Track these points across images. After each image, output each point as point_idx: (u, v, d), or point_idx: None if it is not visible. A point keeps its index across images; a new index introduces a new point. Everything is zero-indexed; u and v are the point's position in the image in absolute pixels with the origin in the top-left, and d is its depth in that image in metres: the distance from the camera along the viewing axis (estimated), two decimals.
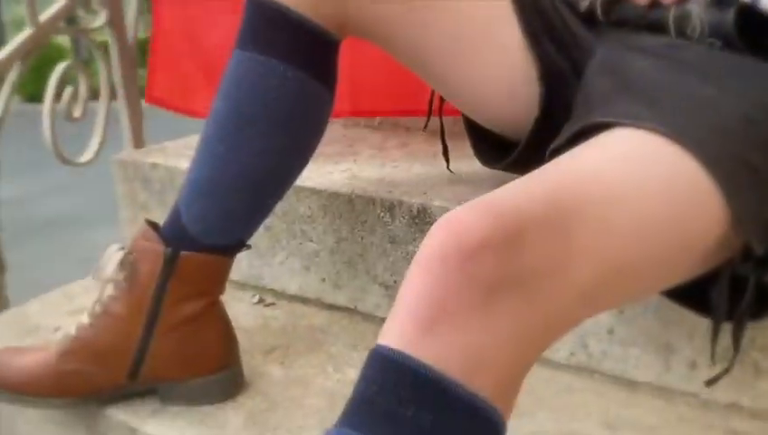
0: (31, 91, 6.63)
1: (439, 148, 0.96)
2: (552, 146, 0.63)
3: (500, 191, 0.49)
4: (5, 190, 1.15)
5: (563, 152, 0.56)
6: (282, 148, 0.75)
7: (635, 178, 0.53)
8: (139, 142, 1.35)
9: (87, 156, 1.25)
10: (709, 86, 0.60)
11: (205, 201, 0.76)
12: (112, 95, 1.30)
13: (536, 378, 0.82)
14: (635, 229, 0.51)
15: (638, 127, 0.55)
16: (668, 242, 0.53)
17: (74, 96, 1.19)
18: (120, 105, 1.35)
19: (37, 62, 1.19)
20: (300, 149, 0.77)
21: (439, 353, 0.44)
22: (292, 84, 0.74)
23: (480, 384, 0.44)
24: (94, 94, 1.24)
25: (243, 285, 1.09)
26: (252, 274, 1.08)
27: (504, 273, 0.45)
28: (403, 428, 0.43)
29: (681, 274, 0.57)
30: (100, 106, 1.27)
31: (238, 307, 1.02)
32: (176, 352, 0.78)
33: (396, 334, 0.45)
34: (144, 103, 1.38)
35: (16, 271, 1.21)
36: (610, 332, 0.79)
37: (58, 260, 2.87)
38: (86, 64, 1.26)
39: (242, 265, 1.08)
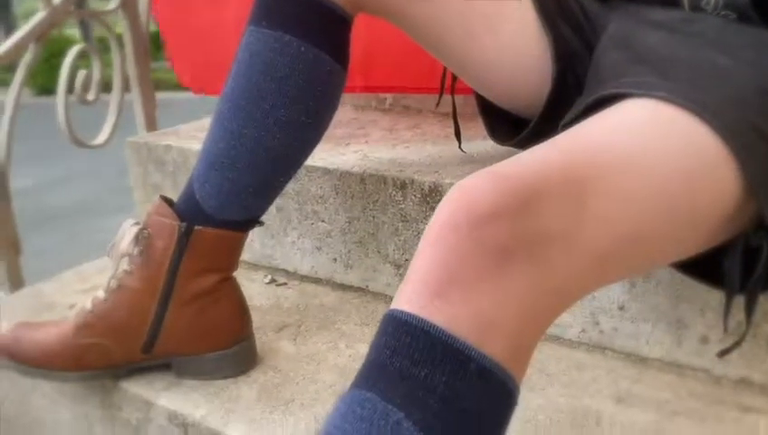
0: (42, 83, 6.66)
1: (450, 130, 0.96)
2: (565, 119, 0.63)
3: (512, 159, 0.50)
4: (19, 180, 1.17)
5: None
6: (295, 123, 0.76)
7: (648, 146, 0.53)
8: (152, 126, 1.36)
9: (100, 138, 1.26)
10: (724, 58, 0.60)
11: (218, 176, 0.76)
12: (125, 84, 1.31)
13: (547, 355, 0.82)
14: (648, 197, 0.51)
15: (652, 97, 0.55)
16: (682, 210, 0.53)
17: (87, 82, 1.20)
18: (134, 90, 1.36)
19: (48, 55, 1.20)
20: (313, 125, 0.78)
21: (451, 317, 0.44)
22: (306, 60, 0.74)
23: (492, 348, 0.44)
24: (106, 87, 1.25)
25: (255, 266, 1.10)
26: (264, 254, 1.09)
27: (516, 238, 0.45)
28: (416, 388, 0.43)
29: (694, 243, 0.57)
30: (114, 88, 1.28)
31: (250, 287, 1.03)
32: (190, 327, 0.79)
33: (408, 299, 0.45)
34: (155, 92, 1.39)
35: (31, 258, 1.23)
36: (621, 308, 0.80)
37: (72, 247, 2.89)
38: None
39: (254, 245, 1.09)
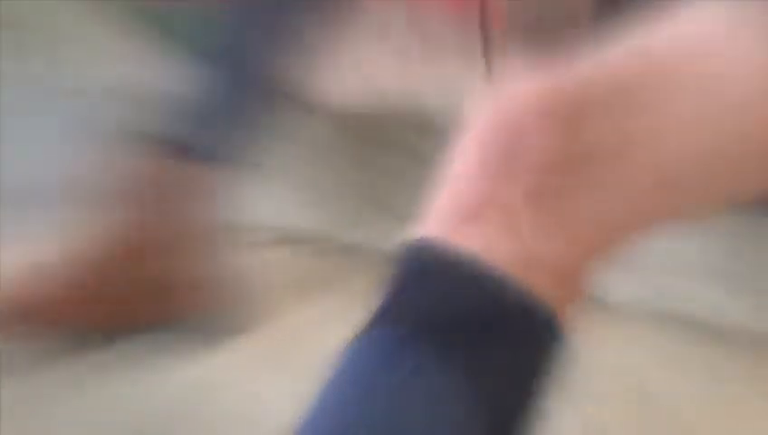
0: None
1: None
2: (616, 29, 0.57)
3: (556, 71, 0.44)
4: None
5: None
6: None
7: (720, 58, 0.47)
8: None
9: None
10: None
11: None
12: None
13: (587, 316, 0.79)
14: (716, 115, 0.46)
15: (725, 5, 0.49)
16: (756, 132, 0.47)
17: None
18: None
19: None
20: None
21: (486, 244, 0.38)
22: None
23: (533, 280, 0.39)
24: None
25: (252, 227, 1.03)
26: (266, 214, 1.02)
27: (562, 156, 0.40)
28: (444, 322, 0.38)
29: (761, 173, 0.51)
30: None
31: (249, 249, 0.96)
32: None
33: (437, 222, 0.40)
34: None
35: None
36: (672, 268, 0.77)
37: None
38: None
39: (251, 204, 1.03)
